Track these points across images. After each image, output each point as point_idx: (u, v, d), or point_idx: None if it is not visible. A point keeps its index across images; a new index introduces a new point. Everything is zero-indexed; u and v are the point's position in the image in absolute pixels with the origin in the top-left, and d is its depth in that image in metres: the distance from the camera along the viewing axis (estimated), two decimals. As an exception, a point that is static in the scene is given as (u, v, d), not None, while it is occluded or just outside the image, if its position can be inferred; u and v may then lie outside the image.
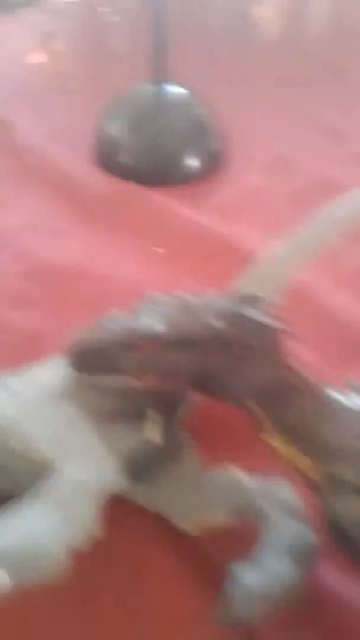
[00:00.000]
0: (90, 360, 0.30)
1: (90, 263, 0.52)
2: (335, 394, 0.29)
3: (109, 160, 0.62)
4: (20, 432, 0.31)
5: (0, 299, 0.48)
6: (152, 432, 0.32)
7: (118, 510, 0.33)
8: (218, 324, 0.28)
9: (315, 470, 0.28)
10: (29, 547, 0.25)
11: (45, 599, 0.31)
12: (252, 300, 0.29)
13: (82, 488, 0.28)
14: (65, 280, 0.51)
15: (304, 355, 0.35)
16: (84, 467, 0.29)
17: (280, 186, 0.60)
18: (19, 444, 0.30)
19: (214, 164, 0.63)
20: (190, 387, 0.30)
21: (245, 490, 0.34)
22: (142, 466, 0.34)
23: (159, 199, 0.59)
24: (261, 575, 0.30)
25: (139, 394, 0.32)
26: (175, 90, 0.62)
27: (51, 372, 0.34)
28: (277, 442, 0.29)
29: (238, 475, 0.34)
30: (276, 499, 0.33)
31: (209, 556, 0.33)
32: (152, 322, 0.28)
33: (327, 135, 0.67)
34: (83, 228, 0.56)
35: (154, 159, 0.61)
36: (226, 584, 0.29)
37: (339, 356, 0.44)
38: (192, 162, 0.62)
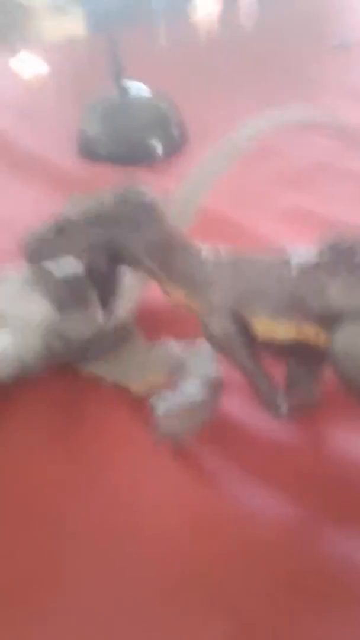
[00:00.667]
0: (35, 249, 0.42)
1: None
2: (207, 251, 0.40)
3: (88, 150, 0.75)
4: None
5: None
6: (98, 314, 0.43)
7: (81, 383, 0.45)
8: (112, 202, 0.39)
9: (201, 309, 0.38)
10: None
11: (27, 454, 0.41)
12: (134, 182, 0.40)
13: (29, 319, 0.39)
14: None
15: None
16: (32, 308, 0.41)
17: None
18: None
19: (174, 147, 0.75)
20: (109, 260, 0.40)
21: (176, 351, 0.44)
22: (100, 346, 0.45)
23: (133, 173, 0.70)
24: (177, 396, 0.40)
25: (80, 278, 0.44)
26: (136, 86, 0.75)
27: (12, 268, 0.45)
28: (173, 293, 0.39)
29: (170, 343, 0.45)
30: (198, 351, 0.43)
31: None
32: (71, 210, 0.40)
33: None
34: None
35: (124, 145, 0.73)
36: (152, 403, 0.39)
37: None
38: (156, 145, 0.74)
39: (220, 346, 0.38)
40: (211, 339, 0.38)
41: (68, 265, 0.44)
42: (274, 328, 0.35)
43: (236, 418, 0.42)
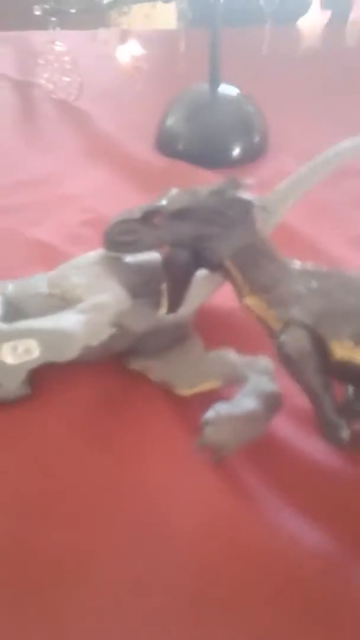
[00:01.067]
0: (116, 237, 0.40)
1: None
2: (294, 263, 0.38)
3: (168, 147, 0.74)
4: (62, 282, 0.41)
5: (64, 239, 0.60)
6: (164, 307, 0.41)
7: (130, 378, 0.44)
8: (206, 198, 0.37)
9: (277, 321, 0.37)
10: (57, 330, 0.35)
11: (66, 439, 0.41)
12: (235, 181, 0.38)
13: (101, 304, 0.38)
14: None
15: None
16: (102, 295, 0.39)
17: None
18: (63, 291, 0.40)
19: (256, 154, 0.73)
20: (190, 255, 0.39)
21: (234, 362, 0.42)
22: (155, 343, 0.44)
23: (207, 175, 0.69)
24: (232, 407, 0.38)
25: (156, 269, 0.42)
26: (227, 90, 0.73)
27: (90, 254, 0.44)
28: (252, 302, 0.38)
29: (229, 353, 0.42)
30: (257, 367, 0.41)
31: (197, 413, 0.40)
32: (160, 201, 0.39)
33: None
34: (139, 194, 0.67)
35: (205, 146, 0.72)
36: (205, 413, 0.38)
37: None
38: (238, 150, 0.72)
39: (291, 363, 0.36)
40: (283, 354, 0.36)
41: (144, 254, 0.42)
42: (356, 353, 0.33)
43: (285, 440, 0.40)
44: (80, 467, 0.39)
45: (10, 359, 0.33)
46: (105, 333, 0.37)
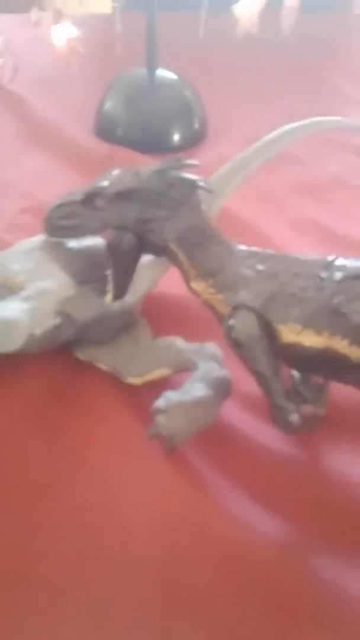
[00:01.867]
0: (56, 221, 0.39)
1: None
2: (240, 246, 0.38)
3: (107, 132, 0.73)
4: (2, 271, 0.40)
5: (5, 227, 0.58)
6: (110, 293, 0.41)
7: (78, 368, 0.43)
8: (149, 178, 0.37)
9: (225, 305, 0.37)
10: (1, 321, 0.34)
11: (13, 431, 0.40)
12: (179, 161, 0.38)
13: (43, 291, 0.37)
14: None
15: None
16: (46, 282, 0.38)
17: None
18: (3, 279, 0.39)
19: (196, 138, 0.73)
20: (135, 239, 0.38)
21: (181, 349, 0.42)
22: (101, 332, 0.43)
23: (147, 161, 0.68)
24: (183, 395, 0.38)
25: (100, 255, 0.41)
26: (165, 74, 0.73)
27: (32, 239, 0.43)
28: (199, 287, 0.38)
29: (176, 340, 0.42)
30: (205, 353, 0.41)
31: (147, 400, 0.40)
32: (102, 182, 0.38)
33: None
34: (80, 180, 0.65)
35: (145, 132, 0.71)
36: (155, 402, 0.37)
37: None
38: (177, 135, 0.72)
39: (240, 347, 0.36)
40: (231, 338, 0.36)
41: (86, 239, 0.41)
42: (303, 337, 0.34)
43: (236, 427, 0.41)
44: (29, 458, 0.38)
45: None
46: (49, 321, 0.36)
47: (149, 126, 0.71)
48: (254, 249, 0.38)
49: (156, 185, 0.37)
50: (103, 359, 0.43)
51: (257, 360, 0.36)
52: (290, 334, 0.34)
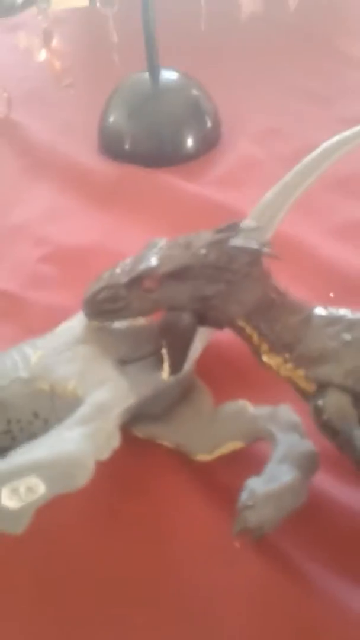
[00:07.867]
0: (99, 305, 0.34)
1: (104, 242, 0.55)
2: (317, 310, 0.33)
3: (113, 147, 0.66)
4: (50, 375, 0.35)
5: (23, 282, 0.53)
6: (165, 371, 0.36)
7: (138, 447, 0.38)
8: (206, 252, 0.32)
9: (307, 381, 0.32)
10: (60, 458, 0.29)
11: (73, 519, 0.36)
12: (235, 226, 0.33)
13: (103, 406, 0.32)
14: (81, 260, 0.54)
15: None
16: (103, 392, 0.33)
17: (273, 153, 0.64)
18: (51, 386, 0.35)
19: (210, 141, 0.67)
20: (193, 318, 0.33)
21: (253, 417, 0.37)
22: (159, 406, 0.39)
23: (162, 177, 0.62)
24: (268, 482, 0.34)
25: (151, 333, 0.37)
26: (167, 75, 0.66)
27: (71, 324, 0.38)
28: (273, 362, 0.33)
29: (246, 406, 0.37)
30: (280, 420, 0.36)
31: (222, 479, 0.37)
32: (149, 260, 0.33)
33: (314, 103, 0.71)
34: (95, 211, 0.60)
35: (154, 142, 0.65)
36: (240, 495, 0.33)
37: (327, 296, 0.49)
38: (190, 141, 0.65)
39: (332, 429, 0.31)
40: (322, 420, 0.31)
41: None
42: None
43: (329, 499, 0.36)
44: (100, 558, 0.35)
45: (12, 503, 0.28)
46: (115, 440, 0.32)
47: (158, 135, 0.65)
48: (335, 312, 0.33)
49: (215, 260, 0.32)
50: (165, 435, 0.39)
51: (350, 439, 0.31)
52: None
